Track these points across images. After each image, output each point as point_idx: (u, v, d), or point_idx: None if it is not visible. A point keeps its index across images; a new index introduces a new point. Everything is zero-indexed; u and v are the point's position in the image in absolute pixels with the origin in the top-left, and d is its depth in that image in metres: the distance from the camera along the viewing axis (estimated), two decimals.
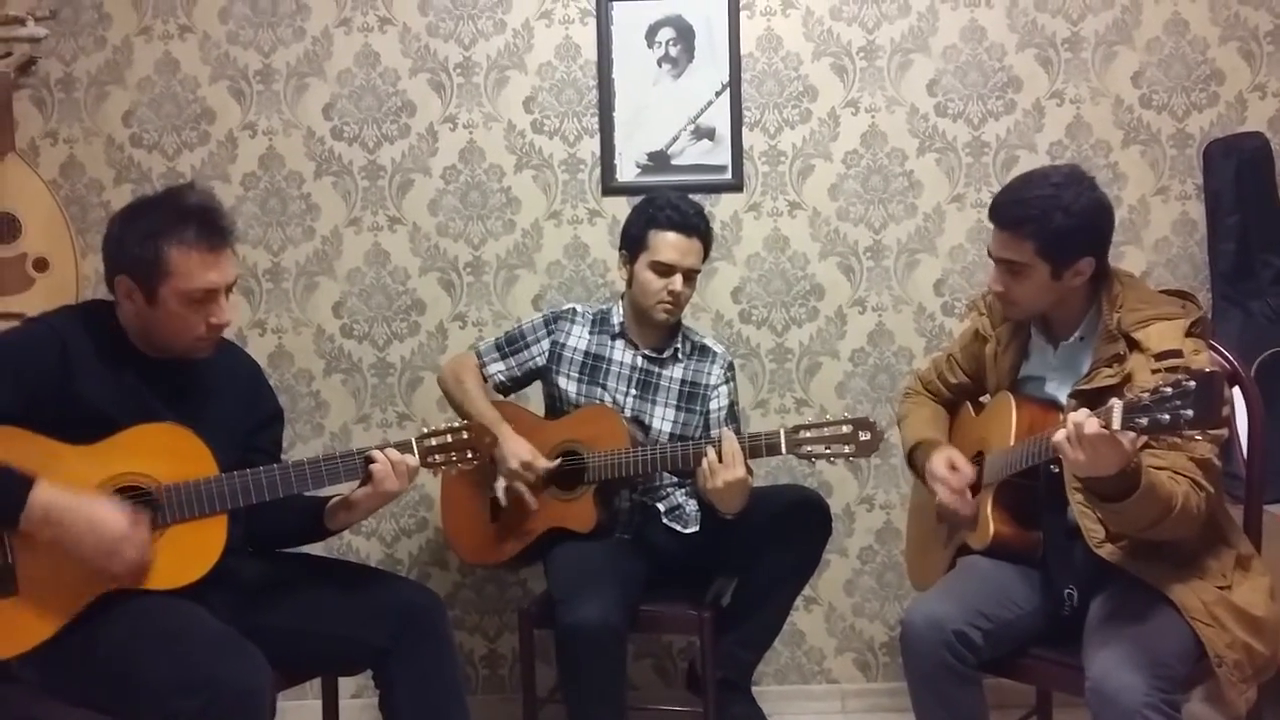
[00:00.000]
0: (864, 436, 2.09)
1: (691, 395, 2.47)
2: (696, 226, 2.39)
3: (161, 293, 1.82)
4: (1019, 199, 1.93)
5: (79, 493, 1.75)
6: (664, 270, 2.37)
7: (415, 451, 1.96)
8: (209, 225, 1.85)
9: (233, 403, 2.02)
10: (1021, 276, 1.94)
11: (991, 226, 1.99)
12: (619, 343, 2.49)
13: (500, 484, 2.34)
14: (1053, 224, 1.88)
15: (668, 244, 2.37)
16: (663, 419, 2.46)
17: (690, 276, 2.41)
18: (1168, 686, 1.71)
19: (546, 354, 2.50)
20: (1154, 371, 1.82)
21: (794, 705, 2.85)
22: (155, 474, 1.83)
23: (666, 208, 2.39)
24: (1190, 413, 1.53)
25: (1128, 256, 2.81)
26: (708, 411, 2.47)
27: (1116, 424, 1.61)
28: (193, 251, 1.82)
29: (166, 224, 1.82)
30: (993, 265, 2.00)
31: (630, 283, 2.45)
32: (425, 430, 2.00)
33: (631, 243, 2.42)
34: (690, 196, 2.49)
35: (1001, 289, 1.99)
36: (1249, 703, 1.82)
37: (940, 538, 2.21)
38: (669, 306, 2.39)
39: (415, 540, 2.91)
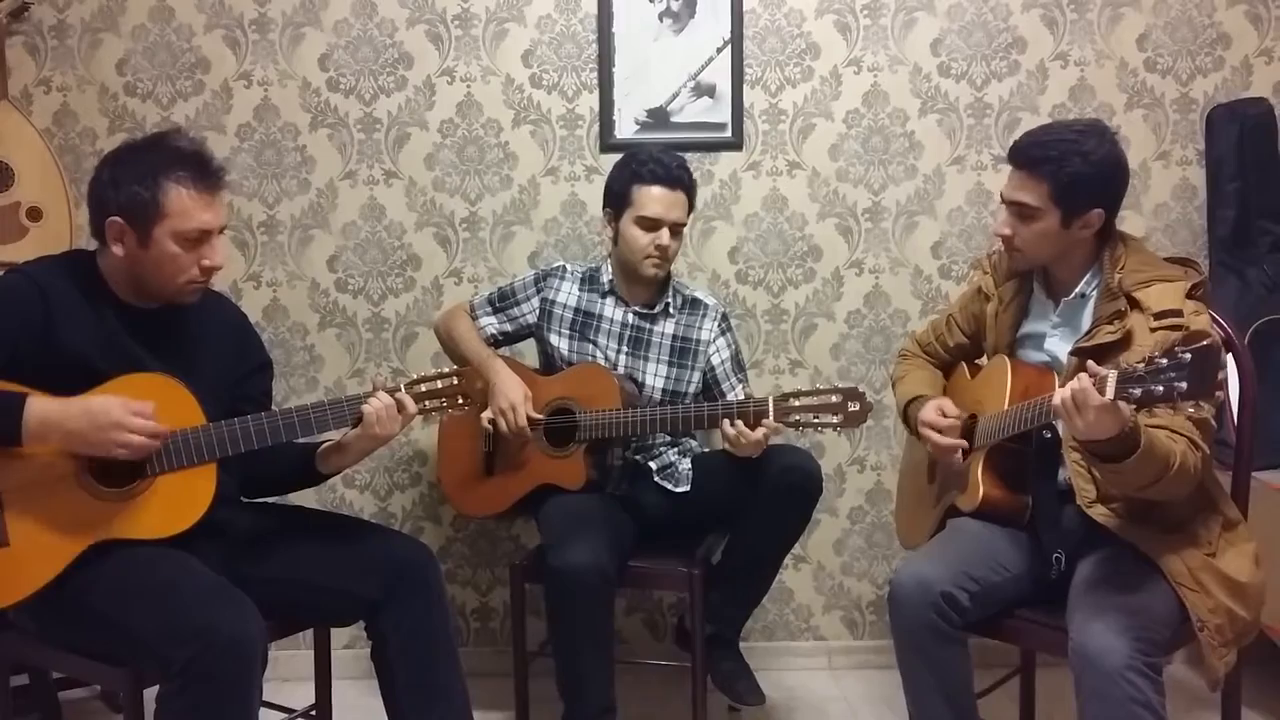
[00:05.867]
0: (853, 407, 2.09)
1: (684, 351, 2.48)
2: (680, 179, 2.40)
3: (156, 233, 1.82)
4: (1040, 141, 1.95)
5: (66, 398, 1.76)
6: (650, 225, 2.38)
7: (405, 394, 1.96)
8: (203, 167, 1.87)
9: (219, 352, 2.02)
10: (1031, 221, 1.94)
11: (1008, 170, 1.98)
12: (609, 300, 2.49)
13: (486, 415, 2.36)
14: (1069, 168, 1.89)
15: (652, 198, 2.37)
16: (655, 375, 2.47)
17: (677, 230, 2.41)
18: (1149, 650, 1.73)
19: (537, 311, 2.51)
20: (1153, 330, 1.82)
21: (781, 661, 2.89)
22: None
23: (649, 162, 2.39)
24: (1185, 385, 1.53)
25: (1127, 221, 2.79)
26: (711, 367, 2.49)
27: (1110, 394, 1.61)
28: (188, 191, 1.83)
29: (162, 164, 1.84)
30: (1003, 210, 2.00)
31: (616, 239, 2.45)
32: (415, 376, 2.00)
33: (616, 199, 2.43)
34: (677, 152, 2.49)
35: (1009, 233, 1.99)
36: (1228, 666, 1.84)
37: (930, 499, 2.22)
38: (657, 261, 2.40)
39: (409, 494, 2.92)
